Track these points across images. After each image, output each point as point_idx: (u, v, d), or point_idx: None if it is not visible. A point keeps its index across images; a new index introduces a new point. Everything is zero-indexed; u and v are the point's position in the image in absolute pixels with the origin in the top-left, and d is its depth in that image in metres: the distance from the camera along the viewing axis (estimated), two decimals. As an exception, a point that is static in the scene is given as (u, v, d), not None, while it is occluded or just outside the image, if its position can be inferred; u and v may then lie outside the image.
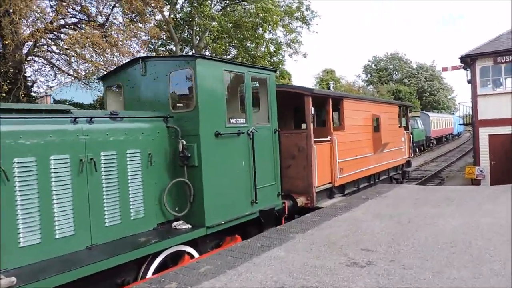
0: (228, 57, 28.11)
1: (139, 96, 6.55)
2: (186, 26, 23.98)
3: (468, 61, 16.59)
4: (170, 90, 6.12)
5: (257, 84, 7.30)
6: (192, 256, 5.86)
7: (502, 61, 15.76)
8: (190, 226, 5.73)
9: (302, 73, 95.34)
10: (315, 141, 8.85)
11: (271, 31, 23.47)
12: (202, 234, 5.70)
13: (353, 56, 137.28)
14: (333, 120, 10.24)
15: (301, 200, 8.47)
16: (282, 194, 7.58)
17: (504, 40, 16.26)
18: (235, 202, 6.30)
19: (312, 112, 8.61)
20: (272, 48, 28.34)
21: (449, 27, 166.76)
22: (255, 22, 20.68)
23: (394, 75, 76.03)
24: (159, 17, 23.63)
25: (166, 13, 23.84)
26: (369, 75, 78.44)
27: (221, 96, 6.10)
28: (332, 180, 9.39)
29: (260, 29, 24.84)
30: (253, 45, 25.70)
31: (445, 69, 25.70)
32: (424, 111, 44.47)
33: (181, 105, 6.36)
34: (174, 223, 5.75)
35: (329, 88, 25.58)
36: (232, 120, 6.35)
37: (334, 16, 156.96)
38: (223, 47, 21.62)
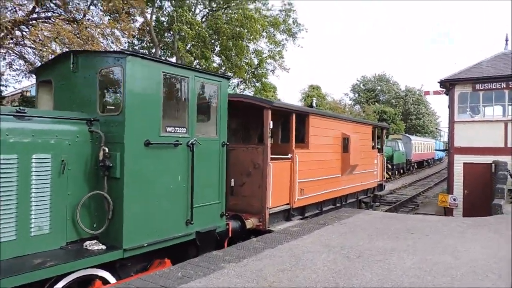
0: (214, 65, 27.59)
1: (69, 95, 5.82)
2: (168, 30, 23.36)
3: (448, 86, 16.30)
4: (98, 90, 5.40)
5: (207, 92, 6.61)
6: (105, 282, 5.08)
7: (481, 88, 15.49)
8: (104, 247, 4.96)
9: (289, 88, 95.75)
10: (273, 158, 8.20)
11: (253, 40, 22.96)
12: (117, 257, 4.93)
13: (341, 74, 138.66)
14: (296, 137, 9.67)
15: (252, 222, 7.77)
16: (227, 214, 6.87)
17: (483, 67, 16.04)
18: (165, 222, 5.56)
19: (271, 127, 7.95)
20: (255, 61, 27.91)
21: (439, 50, 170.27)
22: (236, 30, 20.14)
23: (381, 96, 76.66)
24: (141, 19, 23.00)
25: (148, 15, 23.25)
26: (357, 94, 78.99)
27: (156, 101, 5.41)
28: (290, 201, 8.72)
29: (244, 39, 24.44)
30: (236, 56, 25.21)
31: (427, 93, 25.54)
32: (407, 134, 44.42)
33: (112, 107, 5.63)
34: (87, 243, 4.98)
35: (311, 105, 25.03)
36: (169, 129, 5.65)
37: (324, 33, 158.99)
38: (195, 55, 20.99)
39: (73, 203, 4.95)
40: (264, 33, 24.84)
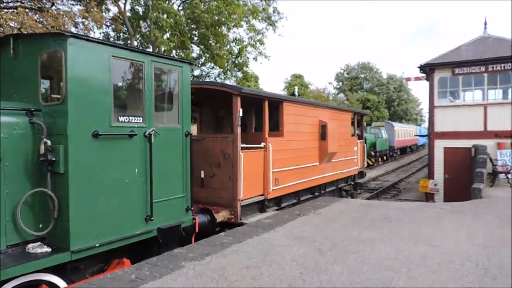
0: (193, 55, 26.87)
1: (10, 84, 5.27)
2: (143, 20, 22.55)
3: (427, 71, 16.09)
4: (40, 77, 4.89)
5: (167, 78, 6.13)
6: (55, 287, 4.63)
7: (460, 72, 15.32)
8: (49, 249, 4.50)
9: (272, 78, 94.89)
10: (244, 148, 7.80)
11: (233, 28, 22.37)
12: (63, 260, 4.48)
13: (325, 63, 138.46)
14: (270, 125, 9.28)
15: (223, 215, 7.38)
16: (192, 208, 6.44)
17: (463, 51, 15.86)
18: (120, 219, 5.12)
19: (241, 115, 7.53)
20: (236, 49, 27.30)
21: (423, 40, 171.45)
22: (214, 18, 19.50)
23: (364, 84, 76.79)
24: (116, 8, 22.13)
25: (122, 4, 22.37)
26: (340, 83, 78.95)
27: (105, 88, 4.91)
28: (264, 192, 8.35)
29: (223, 27, 23.78)
30: (215, 44, 24.55)
31: (408, 79, 25.34)
32: (389, 121, 44.53)
33: (57, 96, 5.11)
34: (29, 245, 4.50)
35: (293, 93, 24.58)
36: (122, 119, 5.17)
37: (307, 22, 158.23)
38: (174, 43, 20.31)
39: (12, 203, 4.46)
40: (243, 23, 24.21)
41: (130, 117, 5.29)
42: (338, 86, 78.48)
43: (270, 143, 8.41)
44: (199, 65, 29.58)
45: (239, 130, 7.49)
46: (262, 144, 8.32)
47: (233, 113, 7.59)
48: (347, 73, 79.72)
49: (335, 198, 9.64)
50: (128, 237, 5.22)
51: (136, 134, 5.26)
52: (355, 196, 14.18)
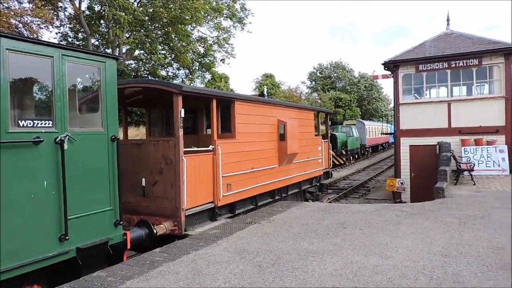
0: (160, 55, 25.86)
1: None
2: (100, 18, 21.45)
3: (392, 67, 15.85)
4: None
5: (85, 75, 5.38)
6: None
7: (424, 69, 15.14)
8: None
9: (243, 78, 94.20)
10: (188, 152, 7.12)
11: (194, 25, 21.61)
12: None
13: (299, 62, 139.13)
14: (223, 127, 8.65)
15: (164, 227, 6.67)
16: (122, 222, 5.71)
17: (426, 48, 15.70)
18: (27, 241, 4.35)
19: (182, 115, 6.85)
20: (201, 49, 26.53)
21: (394, 39, 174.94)
22: (173, 14, 18.66)
23: (337, 83, 77.34)
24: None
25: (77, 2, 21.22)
26: (313, 82, 79.24)
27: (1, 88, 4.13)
28: (214, 199, 7.69)
29: (187, 25, 22.96)
30: (179, 44, 23.72)
31: (376, 77, 25.37)
32: (361, 120, 44.76)
33: None
34: None
35: (262, 93, 23.99)
36: (23, 123, 4.39)
37: (278, 22, 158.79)
38: (136, 41, 19.38)
39: None
40: (208, 19, 23.48)
41: (36, 121, 4.52)
42: (311, 86, 78.79)
43: (220, 145, 7.76)
44: (165, 66, 28.68)
45: (181, 132, 6.80)
46: (211, 147, 7.66)
47: (174, 114, 6.88)
48: (320, 73, 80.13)
49: (294, 203, 9.10)
50: (36, 261, 4.45)
51: (42, 141, 4.49)
52: (320, 198, 13.73)
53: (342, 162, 31.33)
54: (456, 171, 12.16)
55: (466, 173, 11.85)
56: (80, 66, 5.11)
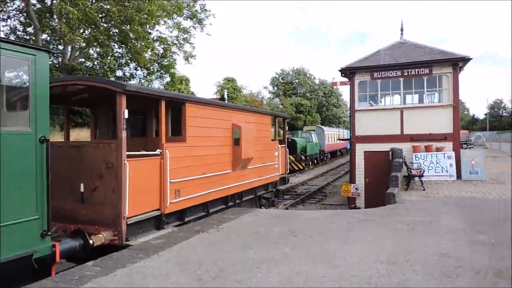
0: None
1: None
2: (49, 12, 20.27)
3: (348, 74, 16.09)
4: None
5: (10, 69, 4.84)
6: None
7: (378, 76, 15.49)
8: None
9: (204, 81, 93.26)
10: (132, 156, 6.67)
11: (149, 24, 20.95)
12: None
13: (262, 67, 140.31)
14: (174, 130, 8.25)
15: (102, 237, 6.17)
16: (47, 232, 5.16)
17: (381, 56, 16.09)
18: None
19: (126, 116, 6.41)
20: (160, 49, 25.80)
21: (353, 46, 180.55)
22: (129, 13, 17.94)
23: (299, 89, 78.51)
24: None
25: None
26: (276, 88, 79.96)
27: None
28: (161, 206, 7.26)
29: (146, 25, 22.23)
30: (137, 44, 22.89)
31: (334, 84, 25.77)
32: (320, 126, 45.52)
33: None
34: None
35: (223, 97, 23.68)
36: None
37: (242, 26, 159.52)
38: (84, 39, 18.45)
39: None
40: (165, 19, 22.87)
41: None
42: (274, 91, 79.44)
43: (168, 149, 7.36)
44: (122, 66, 27.64)
45: (124, 134, 6.35)
46: (158, 151, 7.25)
47: (117, 114, 6.42)
48: (282, 78, 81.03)
49: (246, 210, 8.84)
50: None
51: (-50, 141, 3.93)
52: (276, 204, 13.58)
53: (302, 168, 31.57)
54: (407, 176, 12.45)
55: (416, 178, 12.14)
56: (5, 58, 4.57)
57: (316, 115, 68.20)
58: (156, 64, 27.32)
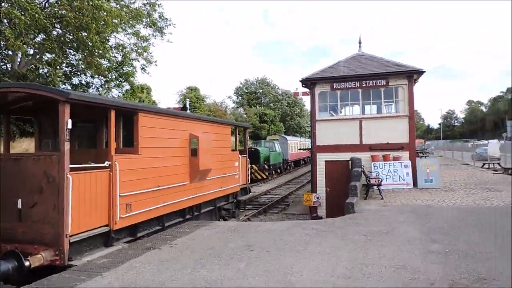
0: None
1: None
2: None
3: (309, 85, 16.22)
4: None
5: None
6: None
7: (338, 87, 15.72)
8: None
9: (167, 91, 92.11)
10: (76, 168, 6.21)
11: (105, 32, 20.21)
12: None
13: (225, 77, 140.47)
14: (126, 141, 7.83)
15: (41, 257, 5.64)
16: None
17: (340, 67, 16.37)
18: None
19: (69, 127, 5.96)
20: (119, 57, 24.96)
21: (316, 58, 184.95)
22: (83, 19, 17.18)
23: (262, 99, 79.06)
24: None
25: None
26: (240, 97, 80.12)
27: None
28: (110, 221, 6.80)
29: (104, 33, 21.45)
30: (94, 51, 22.01)
31: (296, 94, 26.05)
32: (283, 135, 45.86)
33: None
34: None
35: (184, 106, 23.17)
36: None
37: (207, 35, 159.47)
38: (27, 44, 17.49)
39: None
40: (123, 26, 22.20)
41: None
42: (238, 101, 79.53)
43: (118, 161, 6.93)
44: (79, 73, 26.50)
45: (67, 146, 5.88)
46: (107, 163, 6.80)
47: (60, 125, 5.95)
48: (246, 88, 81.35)
49: (203, 223, 8.51)
50: None
51: None
52: (237, 215, 13.30)
53: (265, 177, 31.52)
54: (366, 185, 12.60)
55: (375, 187, 12.31)
56: None
57: (280, 124, 68.84)
58: (115, 72, 26.43)
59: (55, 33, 19.89)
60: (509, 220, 7.95)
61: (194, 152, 9.67)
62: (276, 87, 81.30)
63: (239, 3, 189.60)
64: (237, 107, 75.40)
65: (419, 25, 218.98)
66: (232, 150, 12.90)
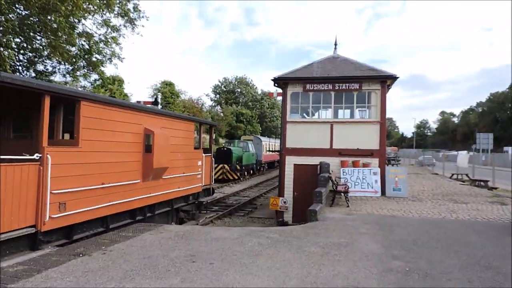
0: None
1: None
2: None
3: (281, 84, 15.68)
4: None
5: None
6: None
7: (311, 89, 15.25)
8: None
9: (141, 83, 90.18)
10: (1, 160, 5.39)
11: (79, 18, 19.09)
12: None
13: (204, 74, 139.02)
14: (63, 131, 7.02)
15: None
16: None
17: (314, 69, 15.91)
18: None
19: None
20: (86, 45, 23.72)
21: (298, 60, 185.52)
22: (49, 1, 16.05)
23: (241, 98, 78.46)
24: None
25: None
26: (217, 95, 79.24)
27: None
28: (37, 221, 5.99)
29: (71, 17, 20.25)
30: (61, 35, 20.76)
31: (271, 94, 25.54)
32: (258, 136, 45.30)
33: None
34: None
35: (156, 100, 22.21)
36: None
37: (188, 31, 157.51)
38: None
39: None
40: (91, 12, 21.07)
41: None
42: (215, 99, 78.57)
43: (51, 154, 6.13)
44: (44, 58, 25.08)
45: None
46: (37, 156, 5.99)
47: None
48: (224, 86, 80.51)
49: (151, 226, 7.77)
50: None
51: None
52: (197, 217, 12.59)
53: (236, 178, 30.85)
54: (333, 191, 12.15)
55: (342, 194, 11.87)
56: None
57: (257, 125, 68.32)
58: (83, 61, 25.16)
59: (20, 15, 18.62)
60: (471, 237, 7.62)
61: (148, 149, 8.93)
62: (255, 87, 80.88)
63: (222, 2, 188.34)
64: (214, 105, 74.46)
65: (403, 35, 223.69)
66: (195, 149, 12.19)
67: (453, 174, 23.19)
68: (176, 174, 10.53)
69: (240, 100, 77.52)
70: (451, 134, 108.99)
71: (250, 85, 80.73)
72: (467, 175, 22.10)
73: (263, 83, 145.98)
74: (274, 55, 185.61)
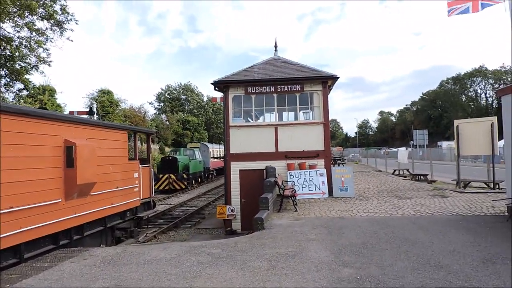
0: None
1: None
2: None
3: (222, 88, 15.08)
4: None
5: None
6: None
7: (253, 91, 14.80)
8: None
9: (77, 93, 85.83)
10: None
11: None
12: None
13: (146, 83, 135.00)
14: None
15: None
16: None
17: (255, 71, 15.51)
18: None
19: None
20: (7, 51, 21.56)
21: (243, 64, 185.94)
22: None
23: (186, 105, 76.82)
24: None
25: None
26: (162, 104, 76.98)
27: None
28: None
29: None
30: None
31: (214, 99, 24.86)
32: (204, 142, 44.25)
33: None
34: None
35: (91, 110, 20.56)
36: None
37: (130, 37, 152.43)
38: None
39: None
40: (15, 15, 19.16)
41: None
42: (160, 107, 76.20)
43: None
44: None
45: None
46: None
47: None
48: (168, 94, 78.40)
49: (73, 253, 6.74)
50: None
51: None
52: (136, 235, 11.55)
53: (184, 187, 29.66)
54: (280, 196, 11.73)
55: (290, 198, 11.47)
56: None
57: (204, 132, 67.11)
58: (4, 69, 22.82)
59: None
60: (418, 234, 7.48)
61: (70, 163, 7.86)
62: (201, 93, 79.64)
63: (166, 8, 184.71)
64: (159, 114, 72.09)
65: (345, 40, 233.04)
66: (131, 159, 11.17)
67: (395, 170, 23.91)
68: (108, 189, 9.49)
69: (186, 108, 75.87)
70: (391, 132, 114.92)
71: (196, 91, 79.38)
72: (408, 170, 22.86)
73: (209, 89, 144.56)
74: (220, 61, 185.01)
